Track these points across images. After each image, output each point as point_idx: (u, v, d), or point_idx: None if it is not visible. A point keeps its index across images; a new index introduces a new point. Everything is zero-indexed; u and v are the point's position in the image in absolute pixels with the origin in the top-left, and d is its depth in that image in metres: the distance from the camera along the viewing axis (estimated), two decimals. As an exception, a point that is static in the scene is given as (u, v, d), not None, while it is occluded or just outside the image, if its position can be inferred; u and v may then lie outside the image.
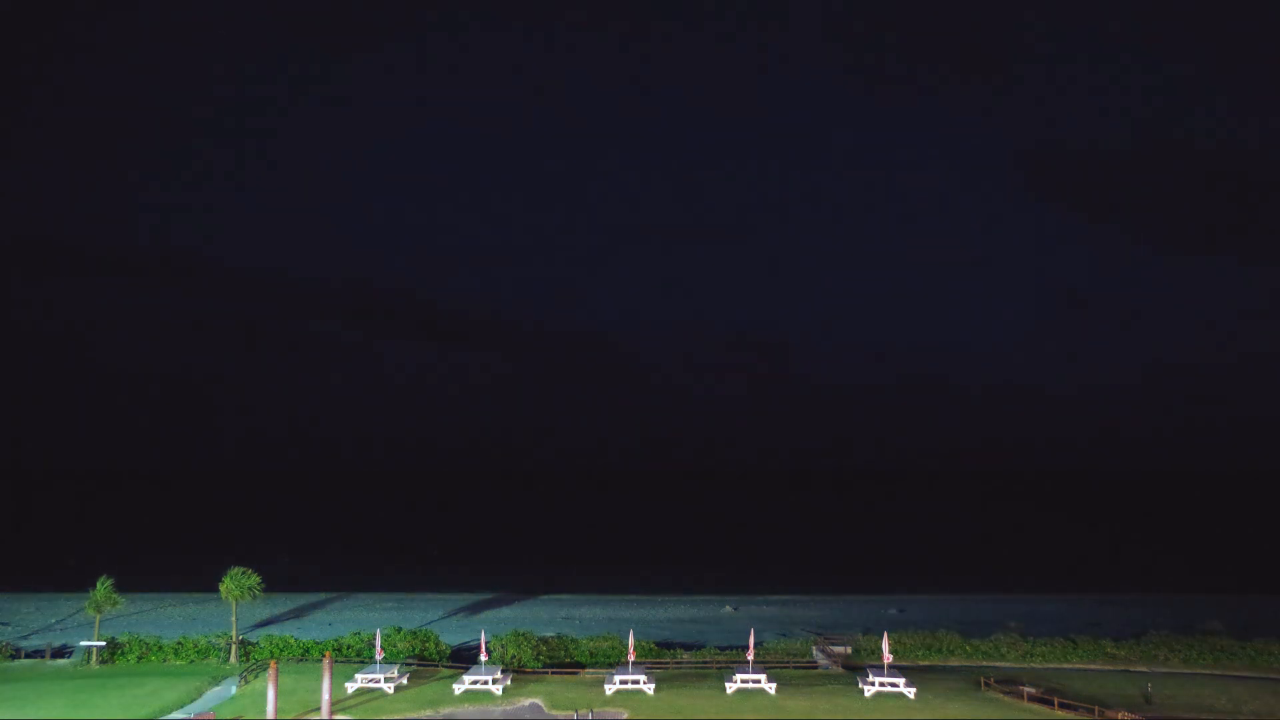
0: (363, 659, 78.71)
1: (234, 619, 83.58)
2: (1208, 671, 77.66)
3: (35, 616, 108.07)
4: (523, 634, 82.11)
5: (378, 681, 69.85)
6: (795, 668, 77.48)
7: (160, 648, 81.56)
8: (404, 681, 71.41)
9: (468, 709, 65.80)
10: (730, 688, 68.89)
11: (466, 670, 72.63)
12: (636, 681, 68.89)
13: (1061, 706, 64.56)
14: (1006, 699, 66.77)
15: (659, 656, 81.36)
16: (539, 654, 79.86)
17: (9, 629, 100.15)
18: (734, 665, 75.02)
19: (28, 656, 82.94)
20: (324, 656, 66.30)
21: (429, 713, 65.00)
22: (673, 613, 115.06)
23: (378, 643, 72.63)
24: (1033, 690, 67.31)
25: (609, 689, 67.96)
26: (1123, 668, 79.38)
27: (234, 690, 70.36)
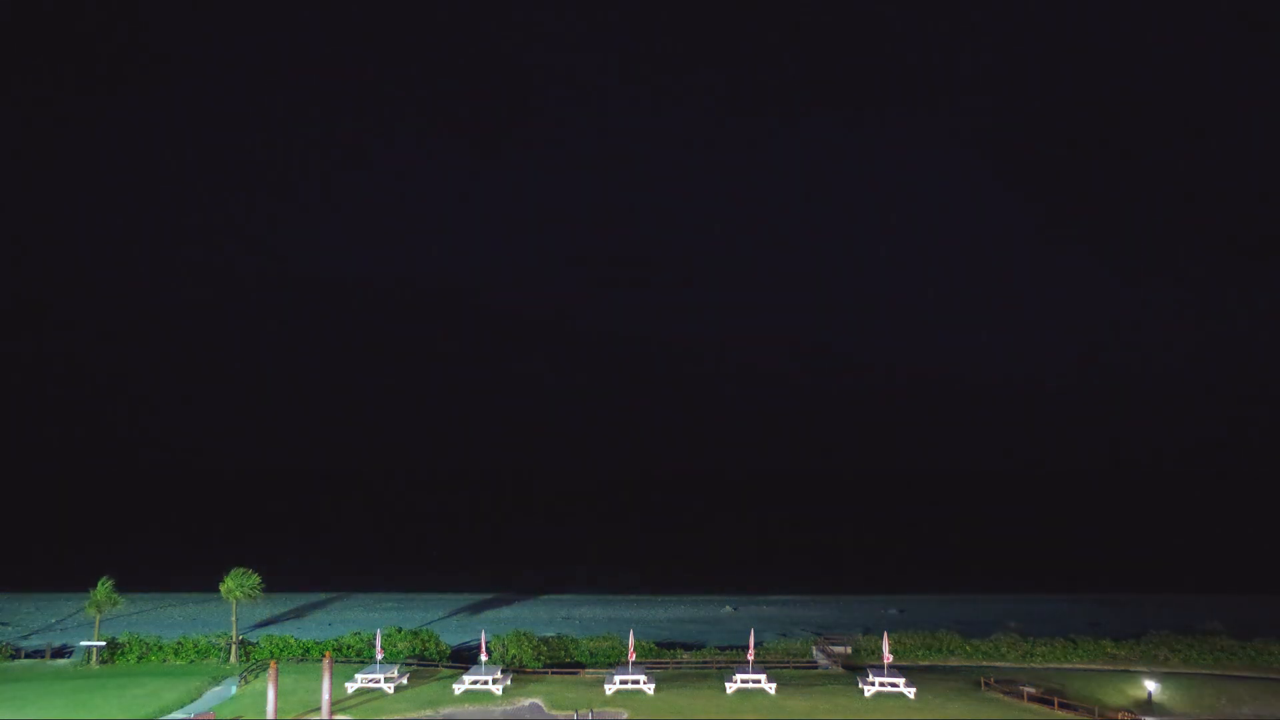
0: (363, 659, 78.73)
1: (234, 619, 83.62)
2: (1208, 671, 77.65)
3: (35, 616, 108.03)
4: (523, 634, 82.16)
5: (378, 681, 69.89)
6: (795, 668, 77.50)
7: (160, 648, 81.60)
8: (404, 681, 71.45)
9: (468, 709, 65.86)
10: (730, 688, 68.92)
11: (466, 670, 72.71)
12: (636, 681, 68.93)
13: (1061, 706, 64.65)
14: (1006, 699, 66.82)
15: (659, 656, 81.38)
16: (539, 654, 79.90)
17: (9, 629, 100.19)
18: (734, 665, 75.08)
19: (28, 656, 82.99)
20: (324, 656, 66.34)
21: (429, 713, 65.07)
22: (673, 613, 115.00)
23: (378, 643, 72.69)
24: (1033, 690, 67.37)
25: (609, 689, 68.00)
26: (1123, 668, 79.36)
27: (234, 690, 70.44)
